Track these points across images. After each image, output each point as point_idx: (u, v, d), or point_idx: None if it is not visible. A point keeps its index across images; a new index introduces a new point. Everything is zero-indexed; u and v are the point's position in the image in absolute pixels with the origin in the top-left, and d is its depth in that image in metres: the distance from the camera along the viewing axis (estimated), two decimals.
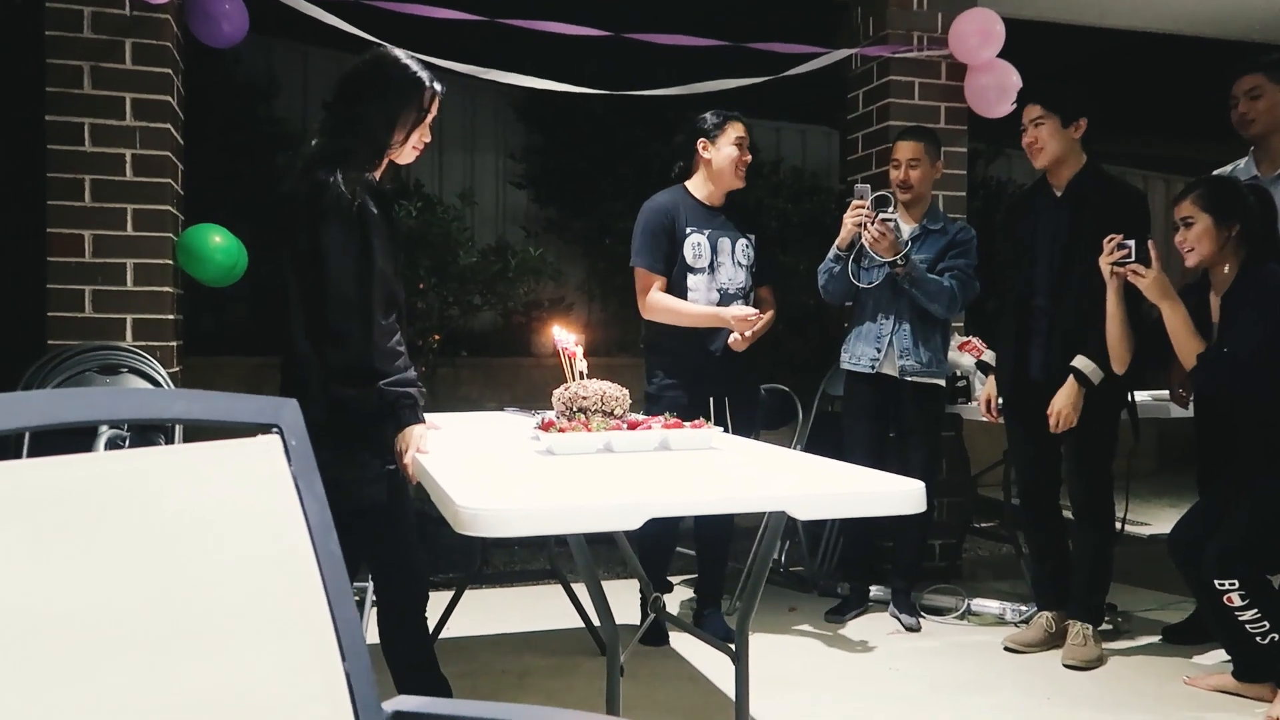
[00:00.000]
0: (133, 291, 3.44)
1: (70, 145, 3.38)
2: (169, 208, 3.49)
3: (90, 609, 0.93)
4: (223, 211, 3.91)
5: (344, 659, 1.11)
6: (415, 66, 2.26)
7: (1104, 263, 2.95)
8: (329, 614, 1.11)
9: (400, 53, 2.29)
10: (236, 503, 1.08)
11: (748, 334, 3.29)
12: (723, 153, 3.37)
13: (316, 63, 6.11)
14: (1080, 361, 3.08)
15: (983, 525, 4.65)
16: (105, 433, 2.46)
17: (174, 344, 3.54)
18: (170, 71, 3.49)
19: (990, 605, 3.70)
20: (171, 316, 3.52)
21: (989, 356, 3.51)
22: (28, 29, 3.50)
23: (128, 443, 2.48)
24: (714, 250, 3.40)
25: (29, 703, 0.86)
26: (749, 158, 3.42)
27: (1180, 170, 7.47)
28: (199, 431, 1.17)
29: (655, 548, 3.48)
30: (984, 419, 3.52)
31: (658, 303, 3.39)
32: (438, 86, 2.27)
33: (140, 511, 1.00)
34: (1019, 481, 3.43)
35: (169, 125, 3.48)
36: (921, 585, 3.81)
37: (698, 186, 3.44)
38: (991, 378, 3.47)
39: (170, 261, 3.49)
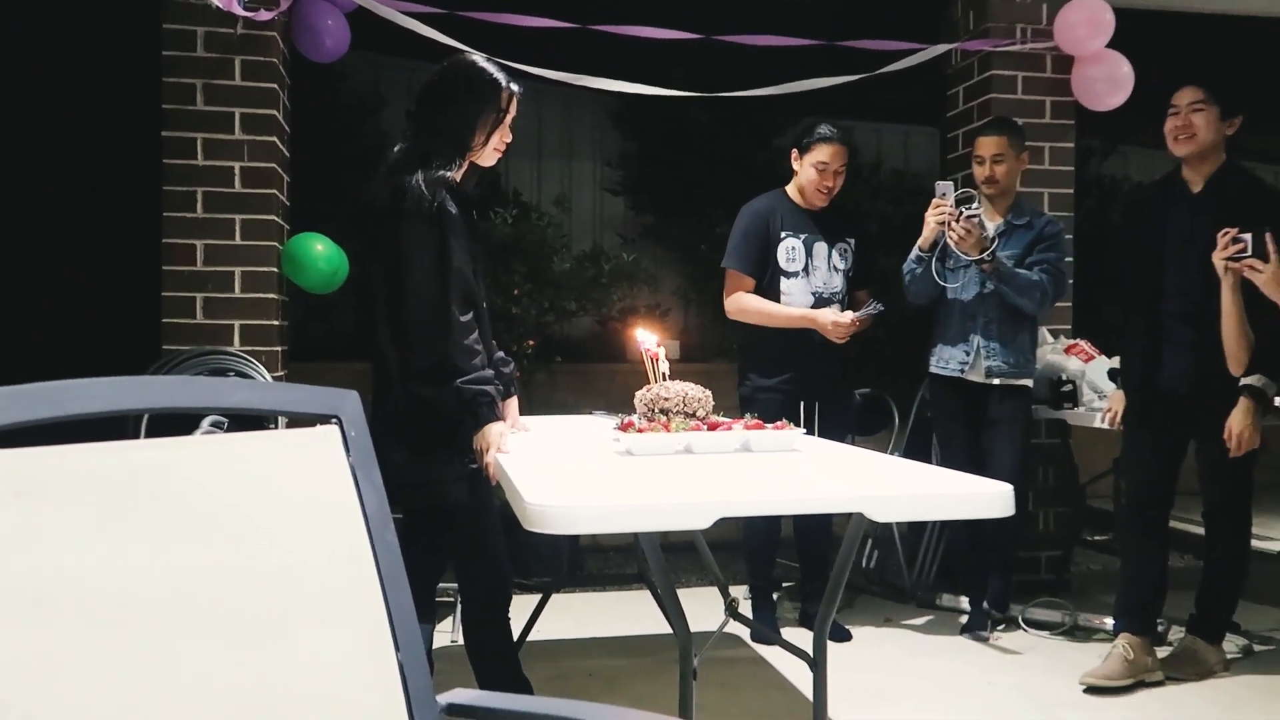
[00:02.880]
0: (240, 299, 3.58)
1: (184, 159, 3.54)
2: (274, 218, 3.62)
3: (149, 591, 0.95)
4: (329, 222, 4.05)
5: (398, 650, 1.12)
6: (491, 68, 2.30)
7: (1218, 258, 2.78)
8: (384, 605, 1.12)
9: (477, 56, 2.34)
10: (294, 491, 1.10)
11: (844, 330, 3.32)
12: (805, 172, 3.43)
13: (421, 78, 6.26)
14: (1256, 379, 2.87)
15: (1094, 538, 4.44)
16: (207, 421, 2.58)
17: (279, 349, 3.67)
18: (277, 86, 3.63)
19: (1099, 620, 3.52)
20: (277, 322, 3.65)
21: (1112, 363, 3.33)
22: (141, 54, 3.69)
23: (226, 429, 2.58)
24: (809, 254, 3.42)
25: (91, 676, 0.89)
26: (830, 184, 3.42)
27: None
28: (302, 424, 1.19)
29: (758, 550, 3.53)
30: (1102, 426, 3.34)
31: (744, 304, 3.42)
32: (515, 87, 2.31)
33: (200, 497, 1.03)
34: (1131, 488, 3.20)
35: (275, 138, 3.62)
36: (1026, 598, 3.66)
37: (795, 191, 3.46)
38: (1119, 391, 3.28)
39: (275, 269, 3.63)
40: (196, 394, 1.09)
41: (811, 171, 3.39)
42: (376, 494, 1.17)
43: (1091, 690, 2.95)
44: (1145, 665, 2.99)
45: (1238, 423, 2.85)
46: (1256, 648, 3.37)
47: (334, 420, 1.15)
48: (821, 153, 3.38)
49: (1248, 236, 2.72)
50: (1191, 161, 3.02)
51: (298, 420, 1.16)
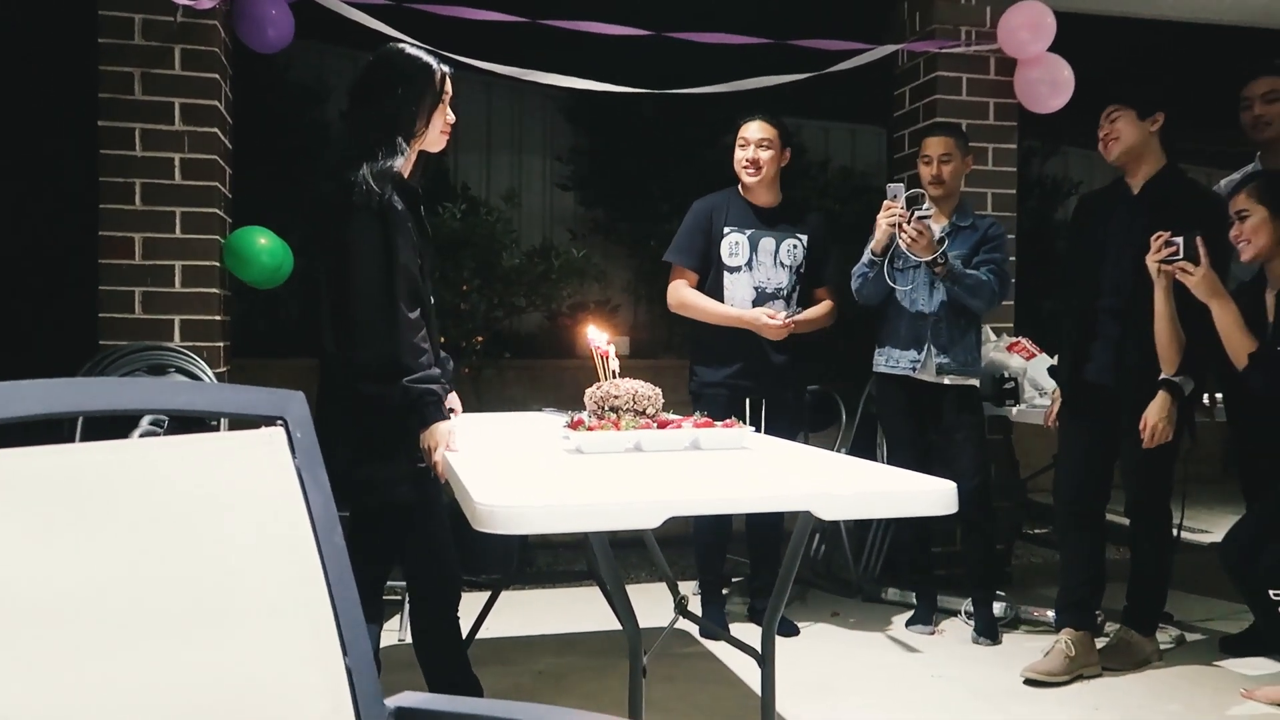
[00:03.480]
0: (181, 293, 3.50)
1: (121, 150, 3.46)
2: (216, 210, 3.55)
3: (92, 594, 0.93)
4: (272, 214, 3.98)
5: (345, 654, 1.10)
6: (420, 53, 2.30)
7: (1151, 261, 2.86)
8: (331, 608, 1.11)
9: (404, 45, 2.33)
10: (239, 494, 1.08)
11: (782, 321, 3.37)
12: (735, 155, 3.42)
13: None
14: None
15: (1034, 531, 4.54)
16: (144, 423, 2.52)
17: (221, 344, 3.60)
18: (218, 77, 3.55)
19: (1040, 613, 3.60)
20: (219, 317, 3.58)
21: (1053, 360, 3.39)
22: (81, 40, 3.59)
23: (165, 430, 2.53)
24: (754, 249, 3.45)
25: (34, 683, 0.87)
26: (753, 158, 3.46)
27: (1206, 162, 7.21)
28: (245, 425, 1.17)
29: (708, 547, 3.55)
30: (1042, 424, 3.42)
31: (683, 298, 3.49)
32: (445, 67, 2.31)
33: (145, 500, 1.01)
34: (1064, 482, 3.27)
35: (217, 130, 3.55)
36: (968, 591, 3.72)
37: (744, 187, 3.48)
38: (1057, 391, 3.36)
39: (217, 263, 3.55)
40: (140, 396, 1.06)
41: (736, 151, 3.44)
42: (322, 495, 1.15)
43: (1031, 683, 3.00)
44: (1086, 660, 3.06)
45: (1153, 415, 2.93)
46: (1189, 637, 3.47)
47: (279, 422, 1.14)
48: (742, 131, 3.47)
49: (1180, 240, 2.80)
50: (1129, 165, 3.09)
51: (241, 422, 1.14)
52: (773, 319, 3.37)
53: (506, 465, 2.11)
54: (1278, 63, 3.36)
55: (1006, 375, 3.75)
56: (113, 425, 2.57)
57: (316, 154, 5.64)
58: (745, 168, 3.45)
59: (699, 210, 3.54)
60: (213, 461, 1.08)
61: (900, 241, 3.26)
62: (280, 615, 1.07)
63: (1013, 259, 3.96)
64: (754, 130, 3.46)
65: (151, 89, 3.47)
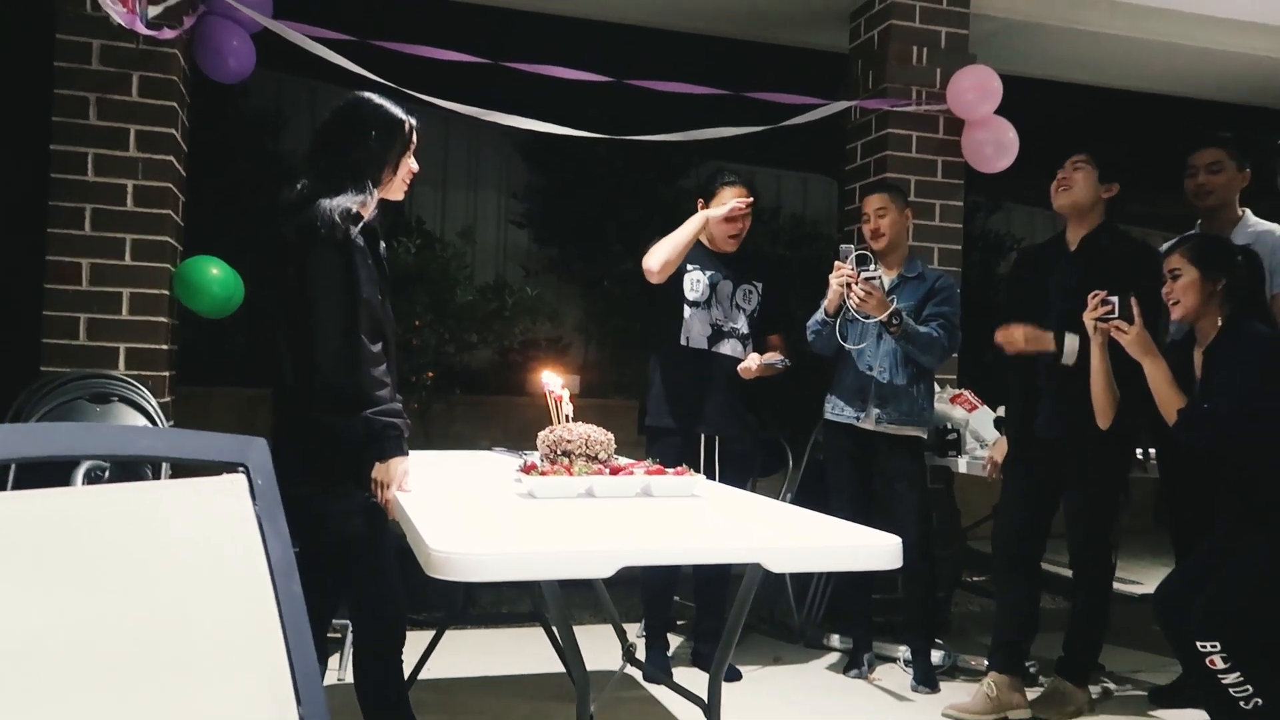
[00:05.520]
0: (128, 321, 3.46)
1: (73, 174, 3.42)
2: (168, 239, 3.52)
3: (46, 642, 0.93)
4: (224, 243, 3.94)
5: (299, 703, 1.10)
6: (389, 104, 2.33)
7: (1088, 318, 2.96)
8: (286, 657, 1.11)
9: (372, 94, 2.35)
10: (198, 541, 1.08)
11: (754, 367, 3.41)
12: (719, 220, 3.49)
13: (324, 98, 6.18)
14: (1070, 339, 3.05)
15: (973, 579, 4.61)
16: (84, 466, 2.46)
17: (167, 374, 3.55)
18: (176, 105, 3.53)
19: (978, 662, 3.66)
20: (166, 347, 3.53)
21: (997, 413, 3.47)
22: (38, 61, 3.55)
23: (107, 474, 2.48)
24: (713, 289, 3.51)
25: None
26: (739, 226, 3.50)
27: (1150, 225, 7.51)
28: (186, 464, 1.17)
29: (657, 593, 3.58)
30: (983, 475, 3.50)
31: (650, 253, 3.42)
32: (413, 119, 2.34)
33: (102, 547, 1.00)
34: (1003, 529, 3.33)
35: (172, 157, 3.52)
36: (903, 639, 3.77)
37: (705, 238, 3.56)
38: (1003, 439, 3.44)
39: (166, 292, 3.51)
40: (99, 441, 1.06)
41: (724, 222, 3.48)
42: (281, 543, 1.16)
43: (948, 718, 3.09)
44: (1009, 702, 3.13)
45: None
46: (1120, 688, 3.55)
47: (240, 468, 1.14)
48: (727, 196, 3.50)
49: (1115, 299, 2.91)
50: (1071, 221, 3.21)
51: (190, 468, 1.13)
52: (748, 368, 3.43)
53: (458, 508, 2.11)
54: (1223, 135, 3.51)
55: (950, 426, 3.84)
56: (49, 468, 2.50)
57: (271, 183, 5.59)
58: (729, 236, 3.52)
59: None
60: (174, 508, 1.08)
61: (849, 302, 3.33)
62: (236, 664, 1.07)
63: (959, 313, 4.06)
64: (740, 201, 3.49)
65: (107, 114, 3.44)
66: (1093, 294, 2.95)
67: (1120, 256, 3.13)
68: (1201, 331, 2.94)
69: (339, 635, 3.44)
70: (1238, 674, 2.66)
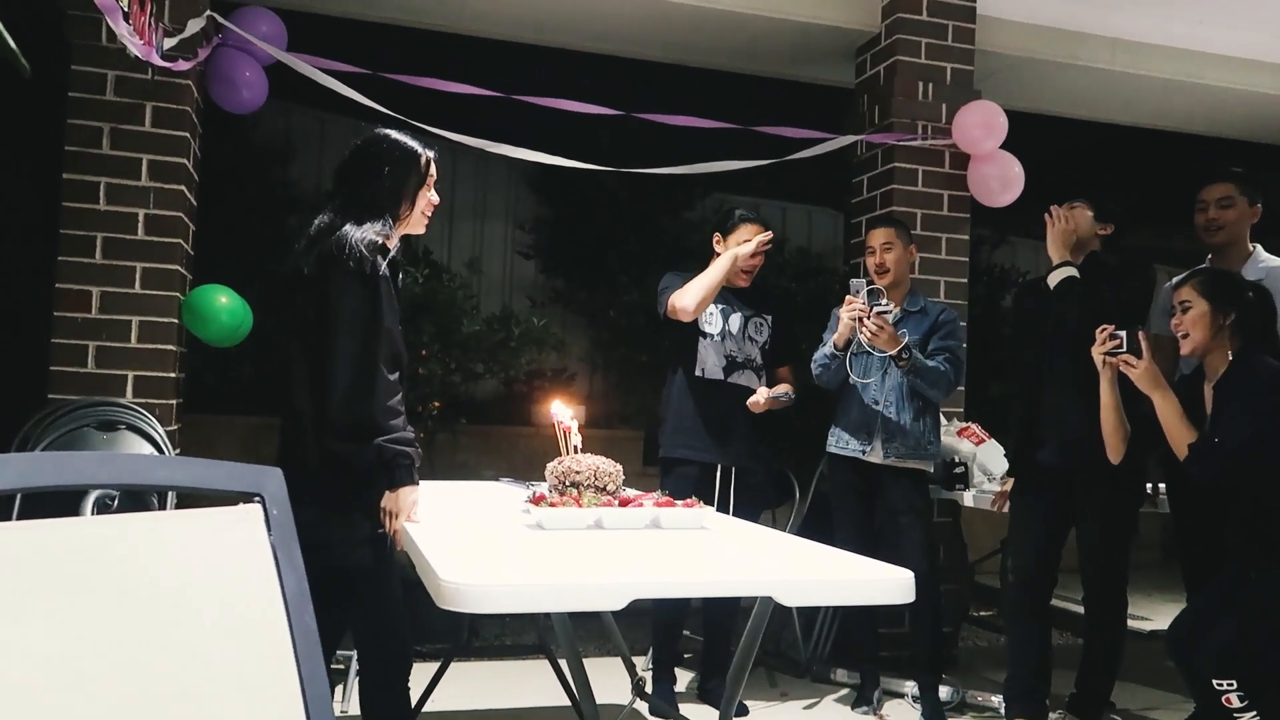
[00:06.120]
0: (136, 349, 3.46)
1: (85, 203, 3.44)
2: (178, 267, 3.53)
3: (60, 672, 0.92)
4: (233, 272, 3.96)
5: None
6: (406, 138, 2.34)
7: (1096, 353, 2.95)
8: (300, 689, 1.10)
9: (390, 130, 2.37)
10: (214, 572, 1.08)
11: (763, 401, 3.43)
12: (736, 258, 3.51)
13: (333, 129, 6.24)
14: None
15: (980, 614, 4.58)
16: (93, 495, 2.46)
17: (174, 402, 3.55)
18: (188, 135, 3.56)
19: (985, 698, 3.63)
20: (174, 375, 3.53)
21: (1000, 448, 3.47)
22: (53, 92, 3.59)
23: (116, 503, 2.47)
24: (725, 321, 3.53)
25: None
26: (754, 262, 3.52)
27: (1161, 260, 7.54)
28: (193, 494, 1.17)
29: (667, 626, 3.58)
30: (990, 509, 3.49)
31: (679, 294, 3.44)
32: (431, 153, 2.36)
33: (117, 577, 1.00)
34: (1015, 567, 3.32)
35: (183, 187, 3.55)
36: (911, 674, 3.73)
37: None
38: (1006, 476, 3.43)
39: (175, 320, 3.52)
40: (116, 470, 1.06)
41: (742, 258, 3.49)
42: (296, 574, 1.15)
43: None
44: None
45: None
46: None
47: (257, 499, 1.14)
48: (746, 232, 3.52)
49: (1123, 333, 2.90)
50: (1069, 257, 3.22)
51: (197, 497, 1.13)
52: (756, 401, 3.44)
53: (467, 539, 2.10)
54: (1234, 170, 3.52)
55: (957, 460, 3.83)
56: (54, 497, 2.49)
57: (279, 213, 5.63)
58: (743, 271, 3.54)
59: (679, 274, 3.61)
60: (189, 538, 1.07)
61: (861, 337, 3.34)
62: (249, 695, 1.06)
63: (965, 345, 4.06)
64: (765, 236, 3.53)
65: (120, 144, 3.47)
66: (1100, 328, 2.94)
67: (1109, 279, 3.16)
68: (1211, 366, 2.93)
69: (342, 666, 3.42)
70: (1254, 713, 2.63)
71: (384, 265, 2.19)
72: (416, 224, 2.37)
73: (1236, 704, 2.63)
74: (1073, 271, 3.15)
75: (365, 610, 2.33)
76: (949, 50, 4.42)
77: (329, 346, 2.16)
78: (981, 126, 4.27)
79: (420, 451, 2.26)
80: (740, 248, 3.48)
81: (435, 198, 2.40)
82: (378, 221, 2.25)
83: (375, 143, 2.34)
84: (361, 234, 2.19)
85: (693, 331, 3.53)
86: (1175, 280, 3.13)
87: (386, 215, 2.27)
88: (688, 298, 3.42)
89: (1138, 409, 2.99)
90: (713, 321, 3.55)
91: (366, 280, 2.16)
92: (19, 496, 2.56)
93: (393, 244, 2.28)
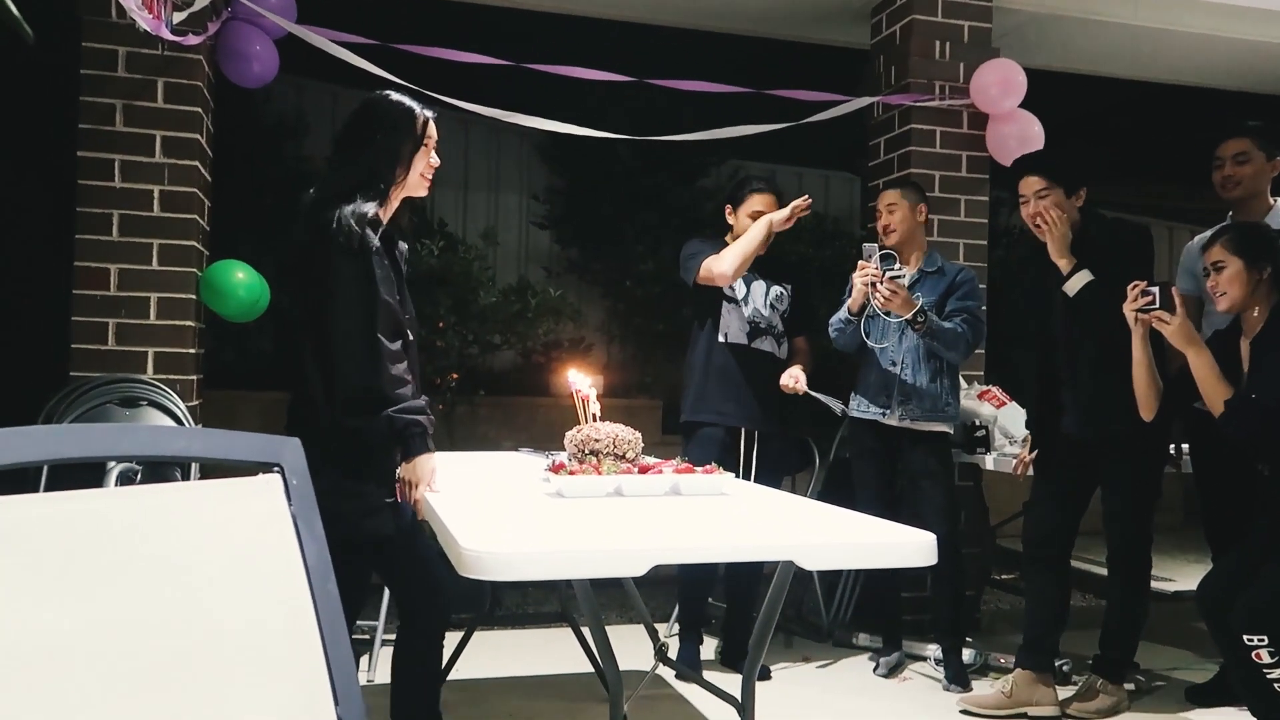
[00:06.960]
0: (155, 325, 3.48)
1: (100, 181, 3.44)
2: (194, 243, 3.54)
3: (82, 643, 0.92)
4: (249, 247, 3.96)
5: (336, 703, 1.10)
6: (404, 99, 2.32)
7: (1128, 310, 2.90)
8: (323, 656, 1.10)
9: (387, 93, 2.34)
10: (235, 542, 1.08)
11: (790, 384, 3.45)
12: (741, 222, 3.54)
13: (346, 103, 6.20)
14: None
15: (1002, 577, 4.57)
16: (115, 468, 2.47)
17: (194, 378, 3.57)
18: (200, 110, 3.55)
19: (1008, 659, 3.62)
20: (193, 350, 3.55)
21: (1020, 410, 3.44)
22: (65, 72, 3.58)
23: (139, 477, 2.49)
24: (748, 288, 3.53)
25: None
26: (786, 227, 3.50)
27: (1183, 219, 7.44)
28: (214, 466, 1.17)
29: (693, 591, 3.58)
30: (1012, 473, 3.47)
31: (719, 257, 3.43)
32: (429, 112, 2.33)
33: (139, 548, 1.00)
34: (1033, 527, 3.31)
35: (197, 163, 3.54)
36: (934, 637, 3.74)
37: (733, 237, 3.57)
38: (1029, 438, 3.41)
39: (193, 296, 3.53)
40: (134, 442, 1.06)
41: (748, 221, 3.48)
42: (317, 543, 1.15)
43: (965, 714, 3.12)
44: (1029, 698, 3.13)
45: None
46: (1155, 685, 3.50)
47: (276, 469, 1.14)
48: (756, 202, 3.52)
49: (1155, 289, 2.85)
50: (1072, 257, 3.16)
51: (219, 470, 1.13)
52: (788, 383, 3.46)
53: (488, 508, 2.11)
54: (1250, 124, 3.45)
55: (978, 423, 3.80)
56: (80, 470, 2.52)
57: (294, 188, 5.62)
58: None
59: (702, 239, 3.61)
60: (210, 509, 1.08)
61: (874, 301, 3.32)
62: (273, 664, 1.06)
63: (984, 307, 4.03)
64: (769, 205, 3.50)
65: (133, 121, 3.46)
66: (1132, 285, 2.89)
67: (1110, 243, 3.12)
68: (1248, 322, 2.88)
69: (367, 637, 3.45)
70: None
71: (374, 239, 2.17)
72: (416, 187, 2.33)
73: (1267, 659, 2.62)
74: (1089, 276, 3.07)
75: (399, 573, 2.34)
76: (966, 7, 4.35)
77: (329, 324, 2.16)
78: (1000, 85, 4.20)
79: (433, 419, 2.25)
80: (775, 214, 3.45)
81: (436, 160, 2.36)
82: (369, 188, 2.22)
83: (368, 105, 2.31)
84: (352, 209, 2.17)
85: (717, 297, 3.53)
86: (1200, 240, 3.08)
87: (378, 181, 2.24)
88: (725, 264, 3.41)
89: (1162, 371, 2.95)
90: (736, 288, 3.54)
91: (357, 254, 2.15)
92: (45, 470, 2.60)
93: (386, 213, 2.26)
